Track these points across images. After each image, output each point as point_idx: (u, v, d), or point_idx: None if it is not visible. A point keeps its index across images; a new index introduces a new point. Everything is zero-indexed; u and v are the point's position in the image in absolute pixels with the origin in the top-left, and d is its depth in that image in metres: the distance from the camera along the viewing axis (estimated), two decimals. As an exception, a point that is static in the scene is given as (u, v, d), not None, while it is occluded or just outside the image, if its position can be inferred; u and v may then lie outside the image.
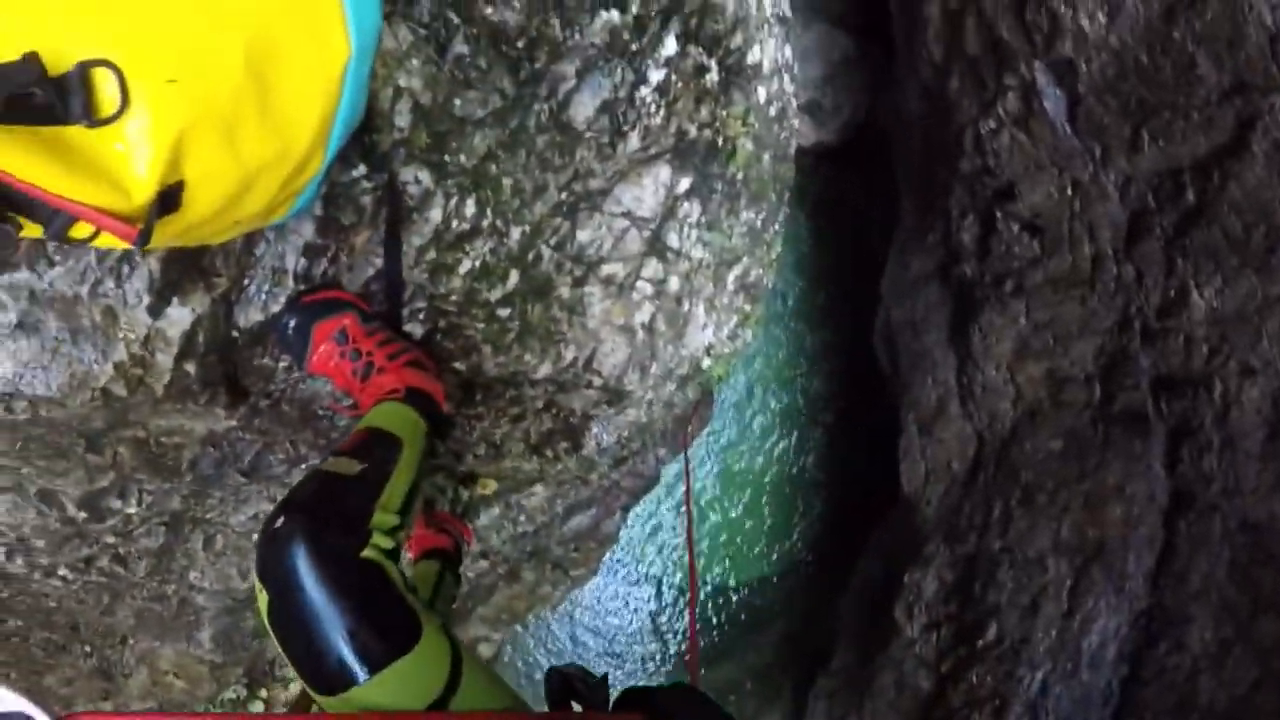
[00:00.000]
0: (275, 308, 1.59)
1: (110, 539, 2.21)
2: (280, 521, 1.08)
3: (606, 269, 1.85)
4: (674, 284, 2.01)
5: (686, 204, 1.97)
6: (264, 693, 3.24)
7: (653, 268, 1.94)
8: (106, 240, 0.94)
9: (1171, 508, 3.87)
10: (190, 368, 1.54)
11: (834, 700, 5.14)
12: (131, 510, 2.06)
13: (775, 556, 5.85)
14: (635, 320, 1.96)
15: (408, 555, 2.24)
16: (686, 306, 2.13)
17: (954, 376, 4.26)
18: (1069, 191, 3.65)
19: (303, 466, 1.97)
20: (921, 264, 4.38)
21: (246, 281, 1.55)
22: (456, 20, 1.50)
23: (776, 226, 2.45)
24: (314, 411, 1.82)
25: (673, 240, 1.95)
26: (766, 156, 2.29)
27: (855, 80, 5.05)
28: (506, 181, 1.63)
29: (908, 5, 4.14)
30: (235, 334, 1.60)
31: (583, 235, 1.77)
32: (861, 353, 5.33)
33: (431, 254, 1.68)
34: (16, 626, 2.62)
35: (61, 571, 2.31)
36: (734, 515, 5.74)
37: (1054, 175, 3.65)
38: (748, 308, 2.45)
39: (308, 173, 1.21)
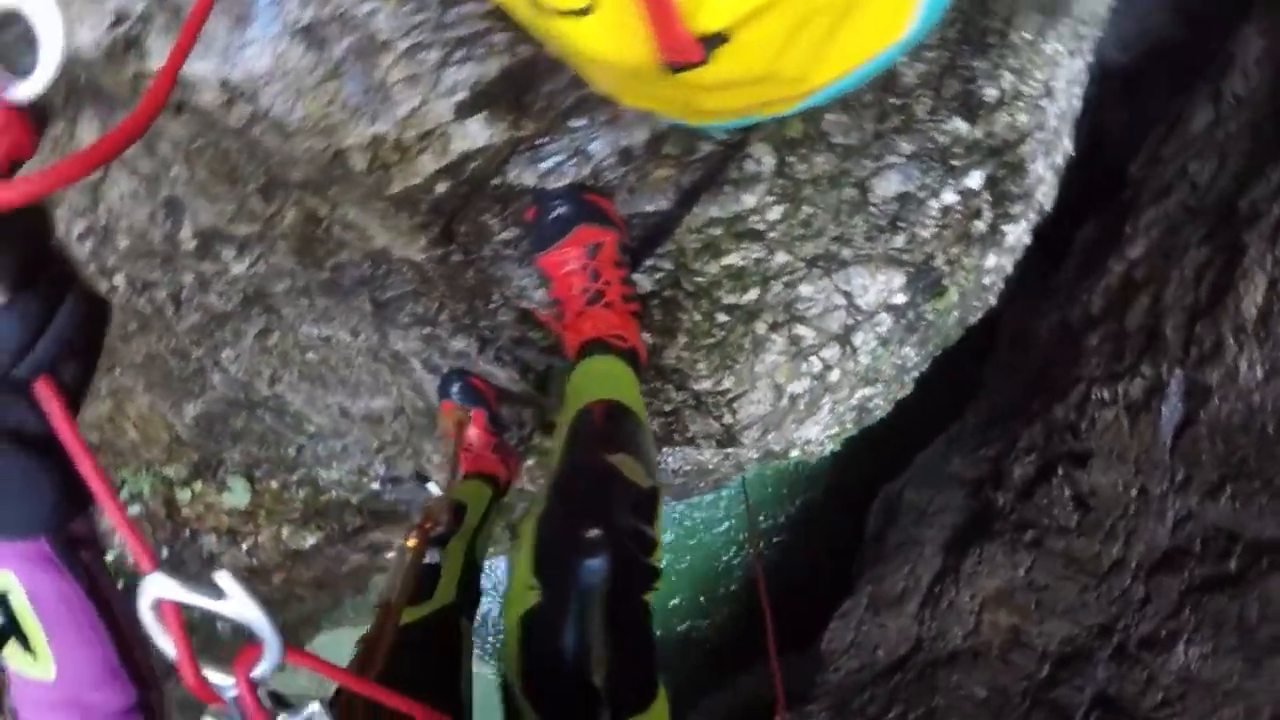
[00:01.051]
0: (551, 183, 1.48)
1: (188, 279, 2.11)
2: (590, 532, 0.99)
3: (801, 329, 1.86)
4: (834, 376, 2.02)
5: (887, 316, 1.98)
6: (197, 486, 3.17)
7: (832, 352, 1.96)
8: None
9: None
10: (440, 187, 1.45)
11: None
12: (236, 269, 1.97)
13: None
14: (789, 388, 1.97)
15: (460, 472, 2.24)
16: (824, 400, 2.14)
17: (929, 580, 4.29)
18: (1133, 494, 3.69)
19: (424, 332, 1.92)
20: (962, 467, 4.42)
21: (548, 141, 1.42)
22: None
23: (917, 374, 2.47)
24: (488, 293, 1.76)
25: (857, 339, 1.97)
26: (954, 314, 2.31)
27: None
28: (807, 210, 1.61)
29: (1093, 249, 4.18)
30: (496, 181, 1.51)
31: (806, 289, 1.78)
32: (856, 503, 5.38)
33: (716, 230, 1.64)
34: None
35: (117, 279, 2.21)
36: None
37: (1129, 472, 3.70)
38: (850, 426, 2.46)
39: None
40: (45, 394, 0.66)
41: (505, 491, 2.33)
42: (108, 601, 0.83)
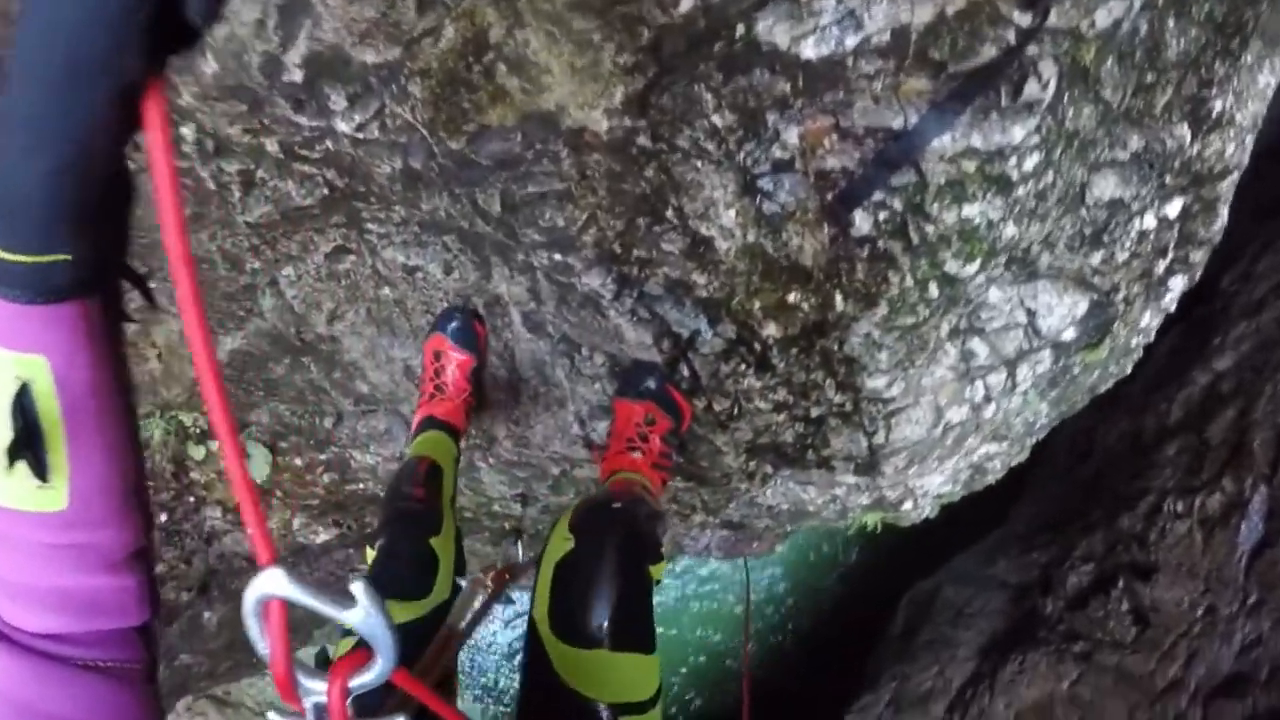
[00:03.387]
0: (804, 49, 1.27)
1: (271, 146, 1.73)
2: (618, 505, 1.33)
3: (976, 344, 1.65)
4: (988, 412, 1.80)
5: (1049, 354, 1.78)
6: (213, 444, 2.86)
7: (998, 379, 1.75)
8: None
9: None
10: (681, 8, 1.23)
11: None
12: (342, 129, 1.59)
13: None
14: (949, 414, 1.75)
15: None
16: (954, 451, 1.92)
17: (961, 683, 4.00)
18: (1199, 613, 3.45)
19: (553, 259, 1.66)
20: (1007, 569, 4.18)
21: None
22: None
23: (1036, 440, 2.28)
24: (662, 207, 1.52)
25: (1022, 372, 1.77)
26: (1095, 375, 2.12)
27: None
28: (1050, 178, 1.41)
29: (1173, 360, 4.05)
30: (737, 33, 1.28)
31: (994, 295, 1.57)
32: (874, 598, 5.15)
33: (969, 165, 1.33)
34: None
35: (185, 130, 1.78)
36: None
37: (1197, 590, 3.47)
38: (960, 488, 2.25)
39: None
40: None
41: (460, 443, 2.20)
42: (131, 406, 0.75)
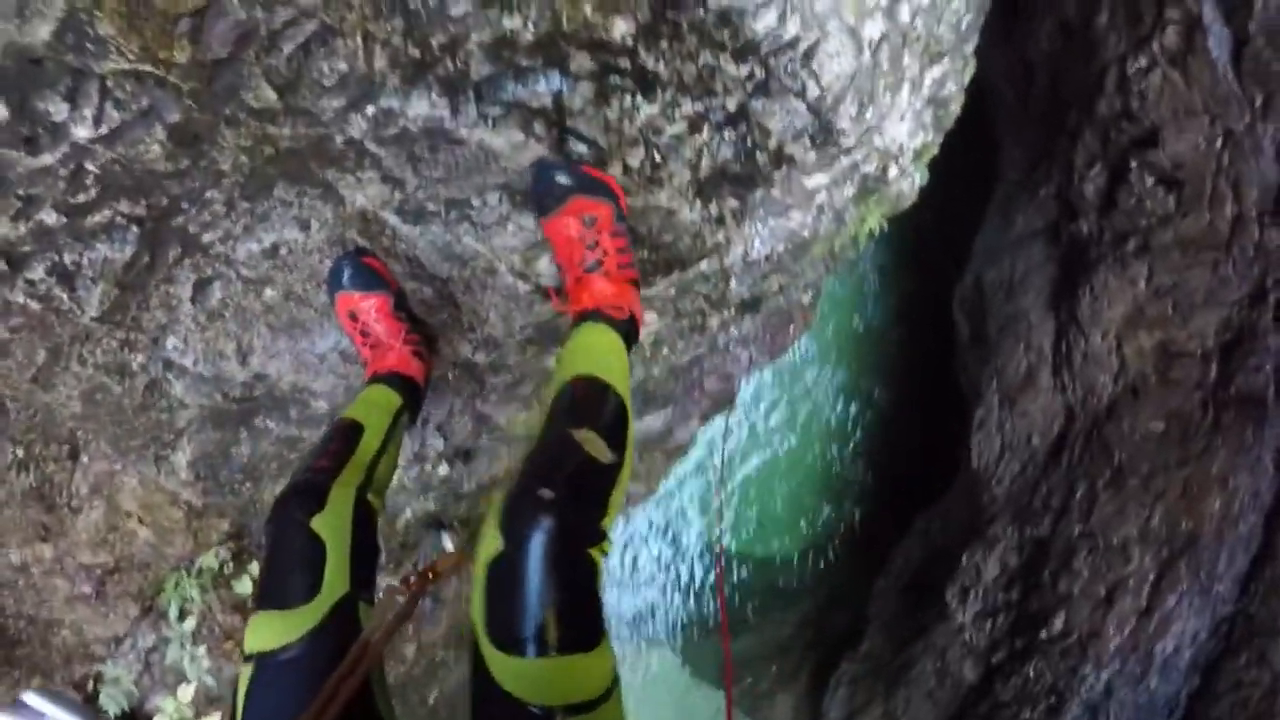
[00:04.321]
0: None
1: (51, 220, 1.53)
2: (543, 492, 1.16)
3: None
4: (904, 16, 1.65)
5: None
6: (254, 565, 2.72)
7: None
8: None
9: (1276, 507, 3.56)
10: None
11: (858, 686, 4.79)
12: (83, 131, 1.41)
13: (810, 530, 5.50)
14: (865, 31, 1.59)
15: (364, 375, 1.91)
16: (896, 77, 1.77)
17: (1050, 343, 3.93)
18: (1219, 143, 3.33)
19: (369, 114, 1.48)
20: (1028, 220, 4.06)
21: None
22: None
23: (974, 37, 2.11)
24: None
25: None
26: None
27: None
28: None
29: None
30: None
31: None
32: (927, 327, 5.05)
33: None
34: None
35: None
36: (772, 483, 5.38)
37: (1204, 124, 3.34)
38: (931, 132, 2.10)
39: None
40: None
41: (419, 399, 1.93)
42: None
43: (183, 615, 2.48)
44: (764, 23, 1.47)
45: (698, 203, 1.78)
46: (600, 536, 1.22)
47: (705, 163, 1.71)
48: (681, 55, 1.50)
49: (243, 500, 2.38)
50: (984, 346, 4.28)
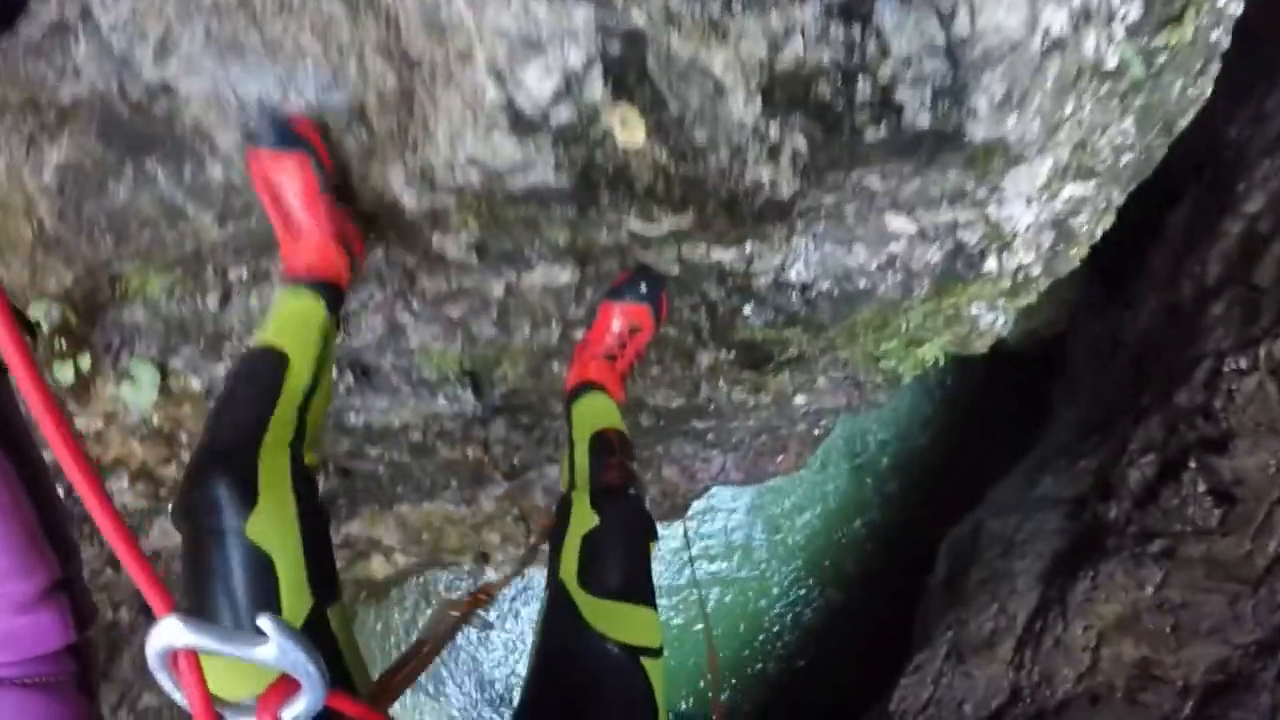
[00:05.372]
0: None
1: None
2: (632, 492, 1.62)
3: None
4: (1088, 46, 1.35)
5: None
6: (84, 360, 2.27)
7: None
8: None
9: None
10: None
11: None
12: None
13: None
14: (1046, 12, 1.28)
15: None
16: (1047, 128, 1.47)
17: (1027, 615, 3.45)
18: (1289, 475, 2.96)
19: None
20: (1057, 485, 3.69)
21: None
22: None
23: (1129, 183, 1.85)
24: None
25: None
26: (1179, 84, 1.70)
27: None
28: None
29: (1192, 224, 3.65)
30: None
31: None
32: (903, 553, 4.65)
33: None
34: None
35: None
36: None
37: (1282, 448, 2.98)
38: (1038, 265, 1.80)
39: None
40: None
41: (340, 307, 1.56)
42: (31, 455, 0.78)
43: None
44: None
45: (758, 99, 1.44)
46: (655, 535, 1.56)
47: (790, 52, 1.39)
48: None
49: (95, 257, 1.95)
50: (956, 594, 3.80)
